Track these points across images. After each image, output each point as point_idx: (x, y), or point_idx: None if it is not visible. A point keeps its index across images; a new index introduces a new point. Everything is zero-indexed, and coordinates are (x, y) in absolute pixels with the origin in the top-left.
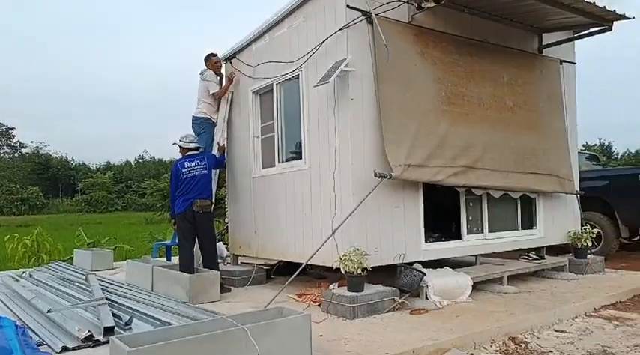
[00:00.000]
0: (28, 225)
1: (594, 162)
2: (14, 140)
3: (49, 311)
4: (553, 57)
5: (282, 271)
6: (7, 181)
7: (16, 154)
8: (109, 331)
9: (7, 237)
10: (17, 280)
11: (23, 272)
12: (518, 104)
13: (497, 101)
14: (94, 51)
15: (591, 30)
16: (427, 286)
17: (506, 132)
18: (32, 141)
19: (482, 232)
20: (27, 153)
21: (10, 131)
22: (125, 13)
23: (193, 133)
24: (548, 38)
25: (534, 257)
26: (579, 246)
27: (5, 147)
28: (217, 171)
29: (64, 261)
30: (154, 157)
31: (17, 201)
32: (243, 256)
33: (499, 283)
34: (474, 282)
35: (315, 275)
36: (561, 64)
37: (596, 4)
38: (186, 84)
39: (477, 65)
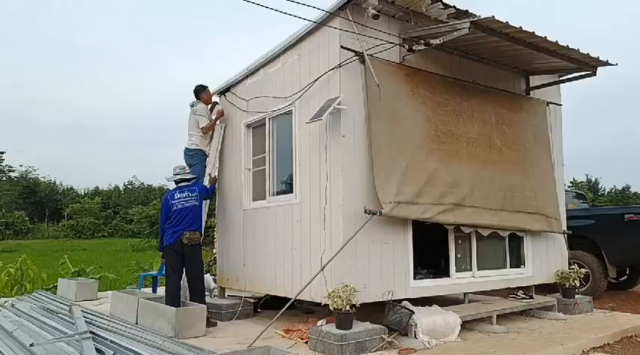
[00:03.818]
0: (11, 250)
1: (581, 201)
2: (3, 164)
3: (31, 345)
4: (540, 98)
5: (269, 304)
6: None
7: (3, 178)
8: None
9: None
10: None
11: (5, 302)
12: (506, 143)
13: (485, 140)
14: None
15: (576, 74)
16: (416, 325)
17: (494, 171)
18: (21, 165)
19: (471, 270)
20: (15, 177)
21: None
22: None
23: (185, 165)
24: (535, 80)
25: (523, 296)
26: (567, 286)
27: None
28: (208, 201)
29: (47, 290)
30: (142, 183)
31: (1, 226)
32: (231, 288)
33: (488, 322)
34: (463, 321)
35: (303, 309)
36: (548, 105)
37: (580, 50)
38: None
39: (466, 105)
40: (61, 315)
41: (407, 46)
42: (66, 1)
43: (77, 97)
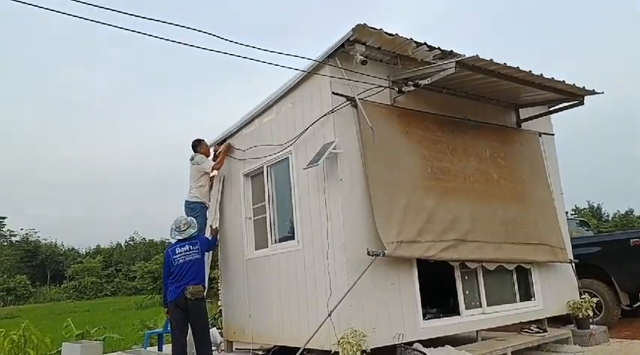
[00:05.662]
0: (13, 316)
1: (586, 228)
2: (4, 229)
3: None
4: (531, 130)
5: None
6: None
7: (4, 243)
8: None
9: None
10: None
11: None
12: (503, 176)
13: (482, 174)
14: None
15: (564, 104)
16: None
17: (494, 204)
18: (22, 229)
19: (481, 306)
20: (16, 241)
21: (0, 220)
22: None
23: (186, 216)
24: (525, 113)
25: (536, 329)
26: (580, 316)
27: None
28: (210, 253)
29: None
30: (144, 238)
31: (3, 292)
32: (238, 342)
33: None
34: None
35: None
36: (540, 135)
37: (566, 81)
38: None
39: (460, 141)
40: None
41: (397, 88)
42: (58, 61)
43: (74, 155)
